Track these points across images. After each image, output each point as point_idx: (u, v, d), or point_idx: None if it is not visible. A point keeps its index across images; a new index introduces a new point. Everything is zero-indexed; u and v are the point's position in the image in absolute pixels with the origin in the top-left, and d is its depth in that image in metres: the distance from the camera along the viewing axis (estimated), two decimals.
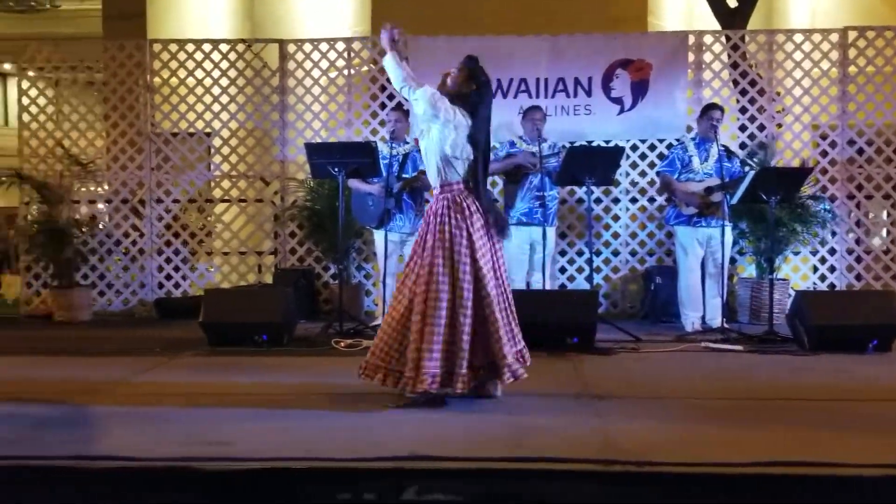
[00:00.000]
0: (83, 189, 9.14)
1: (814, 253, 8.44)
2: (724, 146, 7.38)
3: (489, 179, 8.38)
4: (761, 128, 8.50)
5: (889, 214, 8.79)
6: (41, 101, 9.05)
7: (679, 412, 4.40)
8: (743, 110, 8.53)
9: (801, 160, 8.35)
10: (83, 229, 8.63)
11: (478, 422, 4.17)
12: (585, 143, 8.34)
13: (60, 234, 8.39)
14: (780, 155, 8.43)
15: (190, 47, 8.94)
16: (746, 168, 7.36)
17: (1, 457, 3.56)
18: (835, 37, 8.50)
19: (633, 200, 8.68)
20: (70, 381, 5.28)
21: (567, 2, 10.85)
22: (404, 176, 7.18)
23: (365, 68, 8.95)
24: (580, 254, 8.64)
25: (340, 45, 8.88)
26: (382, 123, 8.52)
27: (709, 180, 7.19)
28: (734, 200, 7.00)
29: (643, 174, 8.60)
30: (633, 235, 8.67)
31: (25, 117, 9.01)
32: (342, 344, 6.48)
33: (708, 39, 8.61)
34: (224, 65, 8.91)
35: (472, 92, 4.59)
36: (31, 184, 8.63)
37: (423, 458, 3.46)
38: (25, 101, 9.02)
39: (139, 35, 10.72)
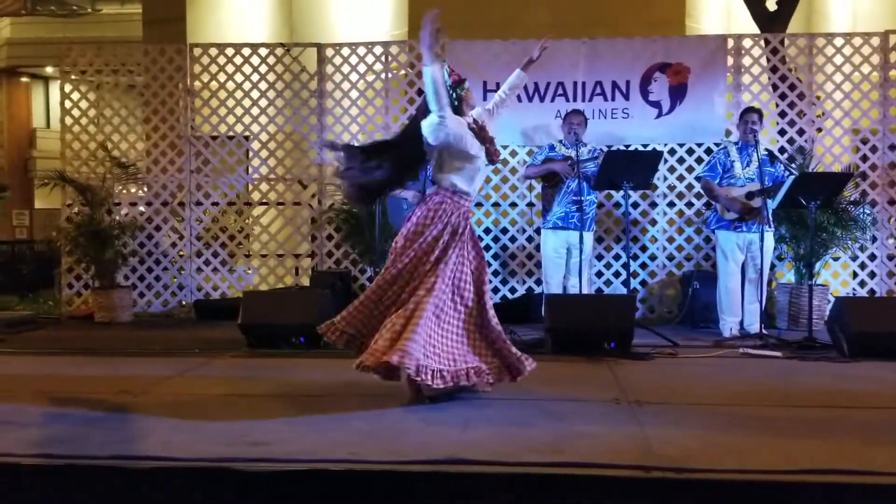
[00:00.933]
0: (124, 191, 9.23)
1: (854, 258, 8.33)
2: (767, 150, 7.31)
3: (527, 182, 8.46)
4: (801, 132, 8.40)
5: None
6: (83, 104, 9.16)
7: (718, 418, 4.38)
8: (782, 114, 8.44)
9: (840, 165, 8.25)
10: (124, 231, 8.71)
11: (518, 427, 4.17)
12: (623, 147, 8.30)
13: (102, 236, 8.49)
14: (820, 159, 8.34)
15: (229, 51, 9.02)
16: (786, 173, 7.30)
17: (51, 455, 3.64)
18: (876, 40, 8.39)
19: (671, 205, 8.61)
20: (111, 381, 5.36)
21: (605, 5, 10.78)
22: None
23: (402, 72, 8.97)
24: (617, 258, 8.59)
25: (378, 49, 8.91)
26: None
27: (750, 185, 7.12)
28: (773, 206, 6.94)
29: (681, 178, 8.53)
30: (671, 240, 8.61)
31: (68, 120, 9.12)
32: None
33: (747, 43, 8.52)
34: (263, 69, 8.98)
35: None
36: (73, 186, 8.74)
37: (463, 462, 3.46)
38: (68, 104, 9.14)
39: (179, 39, 10.82)
